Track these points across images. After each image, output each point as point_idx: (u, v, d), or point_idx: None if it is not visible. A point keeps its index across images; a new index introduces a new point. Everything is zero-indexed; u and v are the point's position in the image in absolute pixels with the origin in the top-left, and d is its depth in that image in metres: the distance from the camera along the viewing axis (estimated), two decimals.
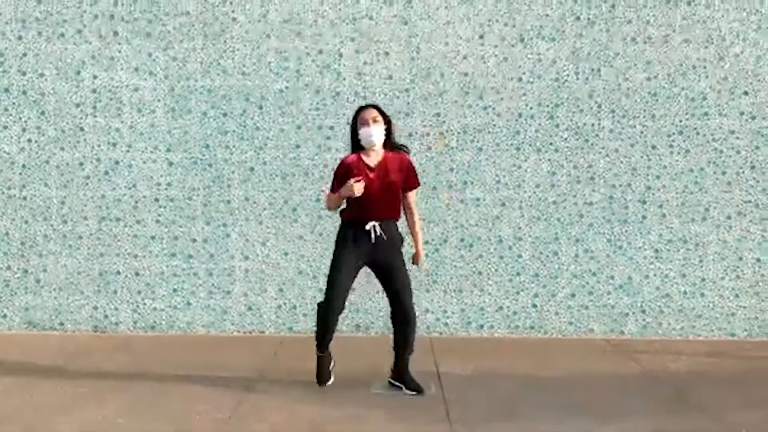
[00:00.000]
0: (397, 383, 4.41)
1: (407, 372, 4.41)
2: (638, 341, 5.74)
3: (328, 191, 4.54)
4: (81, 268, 5.86)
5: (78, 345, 5.47)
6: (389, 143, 4.40)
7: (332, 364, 4.56)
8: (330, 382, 4.50)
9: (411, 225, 4.52)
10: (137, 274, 5.87)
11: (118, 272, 5.87)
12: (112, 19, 5.78)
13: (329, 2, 5.78)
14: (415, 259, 4.54)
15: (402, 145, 4.48)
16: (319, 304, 4.44)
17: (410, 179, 4.42)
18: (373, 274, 4.46)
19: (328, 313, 4.38)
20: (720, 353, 5.42)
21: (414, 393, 4.32)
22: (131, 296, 5.88)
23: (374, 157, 4.34)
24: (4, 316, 5.85)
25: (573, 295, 5.88)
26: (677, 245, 5.85)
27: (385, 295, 4.44)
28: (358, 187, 4.21)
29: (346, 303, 4.41)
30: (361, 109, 4.38)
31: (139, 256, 5.86)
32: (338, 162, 4.48)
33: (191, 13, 5.78)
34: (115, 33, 5.78)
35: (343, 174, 4.37)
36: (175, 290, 5.87)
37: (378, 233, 4.28)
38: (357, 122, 4.35)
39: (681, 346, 5.60)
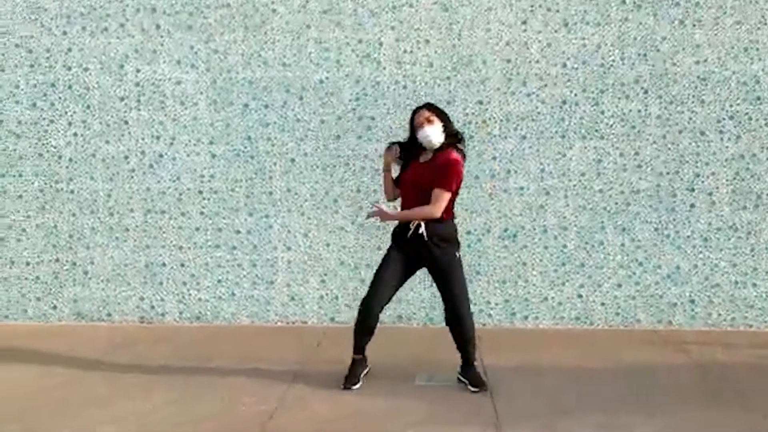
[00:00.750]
0: (462, 379, 4.36)
1: (471, 367, 4.35)
2: (687, 332, 5.63)
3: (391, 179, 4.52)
4: (127, 260, 5.97)
5: (126, 336, 5.58)
6: (447, 140, 4.27)
7: (366, 370, 4.44)
8: (357, 387, 4.30)
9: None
10: (182, 265, 5.96)
11: (164, 264, 5.97)
12: (153, 12, 5.84)
13: None
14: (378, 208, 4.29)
15: (456, 133, 4.28)
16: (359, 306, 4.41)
17: (437, 176, 4.18)
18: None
19: (363, 310, 4.33)
20: None
21: (476, 389, 4.24)
22: (177, 287, 5.97)
23: (427, 154, 4.30)
24: (54, 307, 6.00)
25: (619, 286, 5.79)
26: (727, 233, 5.71)
27: (432, 285, 4.42)
28: (386, 156, 4.35)
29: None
30: (415, 111, 4.31)
31: (184, 248, 5.95)
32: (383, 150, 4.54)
33: (231, 5, 5.81)
34: (157, 26, 5.85)
35: (403, 164, 4.39)
36: (219, 281, 5.95)
37: (419, 232, 4.19)
38: (413, 124, 4.29)
39: (732, 337, 5.47)
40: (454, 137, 4.29)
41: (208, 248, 5.94)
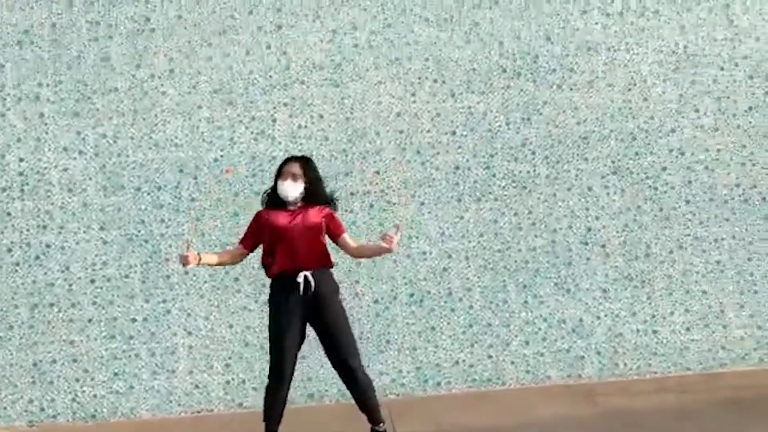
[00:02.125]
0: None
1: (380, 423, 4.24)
2: (596, 384, 5.71)
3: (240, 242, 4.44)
4: (13, 360, 5.57)
5: None
6: (314, 201, 4.23)
7: None
8: None
9: (369, 246, 4.53)
10: (74, 360, 5.61)
11: (54, 361, 5.59)
12: (37, 101, 5.70)
13: (259, 70, 5.83)
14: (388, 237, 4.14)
15: (331, 199, 4.30)
16: (266, 386, 4.23)
17: (335, 225, 4.25)
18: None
19: (272, 387, 4.16)
20: (675, 389, 5.41)
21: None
22: (69, 385, 5.59)
23: (292, 206, 4.23)
24: None
25: (527, 343, 5.84)
26: (624, 284, 5.91)
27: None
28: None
29: (295, 372, 4.26)
30: (285, 161, 4.25)
31: (76, 342, 5.61)
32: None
33: (119, 90, 5.75)
34: (41, 114, 5.70)
35: (252, 224, 4.31)
36: (116, 374, 5.62)
37: (311, 284, 4.06)
38: (279, 174, 4.23)
39: (638, 385, 5.58)
40: (318, 198, 4.24)
41: (103, 340, 5.63)
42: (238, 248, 4.39)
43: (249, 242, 4.34)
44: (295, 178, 4.16)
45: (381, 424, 4.24)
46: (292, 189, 4.15)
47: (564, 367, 5.85)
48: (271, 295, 4.22)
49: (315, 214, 4.20)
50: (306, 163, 4.25)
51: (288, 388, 4.21)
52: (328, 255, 4.25)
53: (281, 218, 4.17)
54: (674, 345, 5.90)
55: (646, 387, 5.50)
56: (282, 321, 4.09)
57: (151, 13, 5.77)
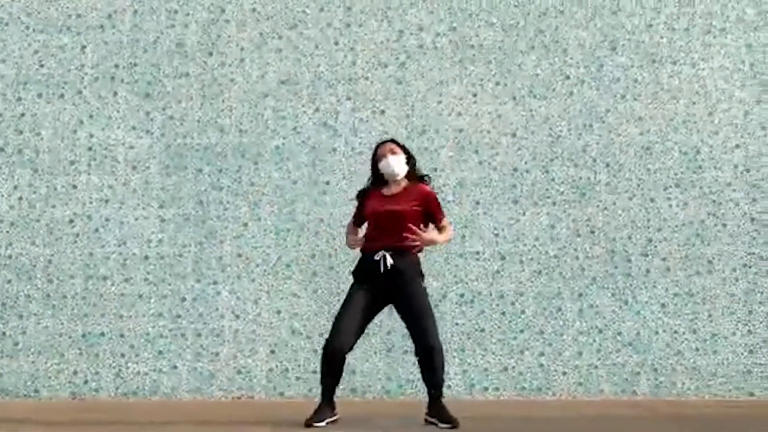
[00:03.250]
0: (431, 419, 3.50)
1: (439, 403, 3.51)
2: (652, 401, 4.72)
3: (350, 222, 3.88)
4: (63, 330, 4.90)
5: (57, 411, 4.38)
6: (413, 176, 3.69)
7: (334, 417, 3.53)
8: (321, 425, 3.43)
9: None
10: (122, 335, 4.91)
11: (102, 334, 4.90)
12: (112, 81, 5.19)
13: (326, 64, 5.23)
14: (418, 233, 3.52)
15: (425, 175, 3.76)
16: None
17: (433, 211, 3.64)
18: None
19: (327, 350, 3.49)
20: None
21: (448, 426, 3.41)
22: (114, 359, 4.88)
23: (393, 188, 3.65)
24: None
25: (580, 354, 4.92)
26: (684, 299, 4.98)
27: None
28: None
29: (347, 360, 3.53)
30: (378, 144, 3.75)
31: (125, 317, 4.92)
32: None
33: (191, 75, 5.19)
34: (115, 93, 5.17)
35: (360, 201, 3.76)
36: (160, 353, 4.89)
37: (388, 264, 3.47)
38: (375, 158, 3.70)
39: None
40: (417, 172, 3.71)
41: (151, 317, 4.93)
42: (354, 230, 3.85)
43: (359, 222, 3.83)
44: (394, 152, 3.63)
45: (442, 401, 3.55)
46: (397, 162, 3.60)
47: (618, 381, 4.88)
48: (354, 271, 3.68)
49: (411, 198, 3.61)
50: (396, 141, 3.76)
51: (344, 356, 3.49)
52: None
53: (374, 201, 3.66)
54: (736, 367, 4.91)
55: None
56: (350, 295, 3.58)
57: (227, 4, 5.25)
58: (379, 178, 3.67)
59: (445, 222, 3.66)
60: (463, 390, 4.79)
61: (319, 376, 3.57)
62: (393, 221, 3.50)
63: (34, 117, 5.06)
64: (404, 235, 3.46)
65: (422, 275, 3.59)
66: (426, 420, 3.53)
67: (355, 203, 3.83)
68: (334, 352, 3.44)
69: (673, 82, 5.15)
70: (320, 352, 3.57)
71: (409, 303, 3.47)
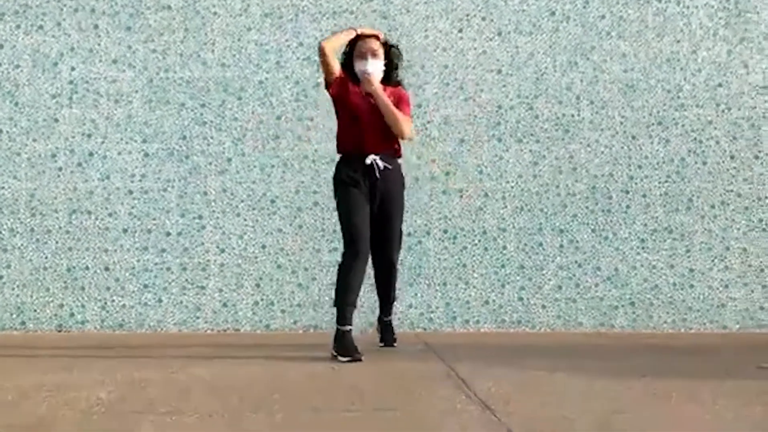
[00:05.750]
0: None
1: (389, 324, 3.68)
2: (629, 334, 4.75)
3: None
4: (47, 264, 4.81)
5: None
6: (388, 81, 3.41)
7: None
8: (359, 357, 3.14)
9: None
10: (107, 269, 4.83)
11: (87, 267, 4.82)
12: (92, 13, 4.99)
13: None
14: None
15: (399, 81, 3.51)
16: (340, 264, 3.31)
17: (400, 110, 3.39)
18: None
19: (352, 265, 3.19)
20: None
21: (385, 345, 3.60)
22: (99, 293, 4.81)
23: (368, 87, 3.38)
24: None
25: (560, 288, 4.92)
26: (663, 235, 4.97)
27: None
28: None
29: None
30: (360, 38, 3.38)
31: (110, 251, 4.84)
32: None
33: (172, 8, 5.00)
34: (95, 26, 4.98)
35: (336, 81, 3.39)
36: (145, 286, 4.83)
37: (381, 167, 3.32)
38: (353, 53, 3.37)
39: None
40: (394, 77, 3.45)
41: (136, 251, 4.85)
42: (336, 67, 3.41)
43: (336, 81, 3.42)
44: (375, 54, 3.34)
45: (391, 317, 3.76)
46: (375, 68, 3.33)
47: (597, 315, 4.90)
48: (336, 173, 3.43)
49: (392, 101, 3.38)
50: (380, 39, 3.44)
51: (363, 273, 3.30)
52: (397, 142, 3.46)
53: (357, 97, 3.37)
54: (711, 302, 4.93)
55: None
56: (350, 199, 3.30)
57: None
58: (350, 73, 3.40)
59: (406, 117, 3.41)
60: (445, 322, 4.78)
61: (335, 295, 3.31)
62: (381, 122, 3.30)
63: (13, 49, 4.87)
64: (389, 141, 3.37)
65: (404, 186, 3.49)
66: (381, 346, 3.64)
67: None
68: (358, 267, 3.18)
69: (658, 20, 5.03)
70: (335, 268, 3.36)
71: (389, 212, 3.36)
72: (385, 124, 3.30)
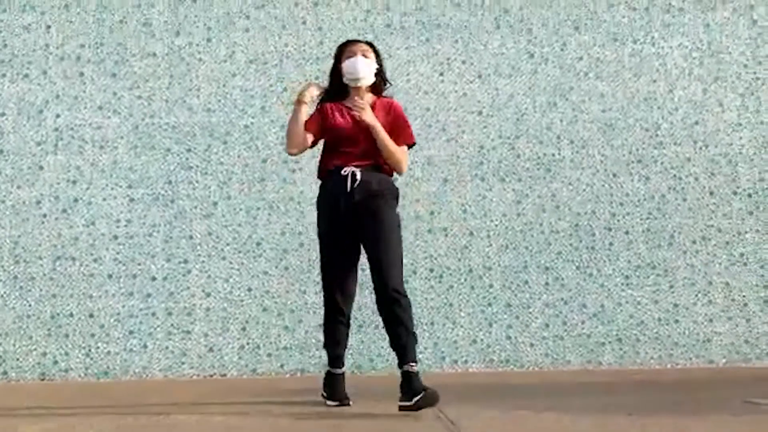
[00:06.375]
0: (404, 403, 2.78)
1: (414, 379, 2.78)
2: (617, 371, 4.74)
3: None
4: (31, 311, 4.75)
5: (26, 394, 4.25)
6: (378, 90, 3.09)
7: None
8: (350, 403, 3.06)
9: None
10: (91, 315, 4.78)
11: (71, 314, 4.77)
12: (78, 61, 5.04)
13: (294, 44, 5.14)
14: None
15: (386, 81, 3.19)
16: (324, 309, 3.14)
17: (401, 131, 3.02)
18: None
19: (329, 310, 3.05)
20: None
21: (409, 404, 2.75)
22: (84, 340, 4.75)
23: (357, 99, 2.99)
24: None
25: (547, 326, 4.92)
26: (647, 271, 5.01)
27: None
28: (308, 87, 3.09)
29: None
30: (349, 42, 3.08)
31: (94, 297, 4.79)
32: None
33: (157, 55, 5.07)
34: (81, 74, 5.02)
35: (315, 113, 3.09)
36: (131, 332, 4.77)
37: (358, 179, 2.90)
38: (342, 55, 3.04)
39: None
40: (384, 87, 3.19)
41: (121, 297, 4.81)
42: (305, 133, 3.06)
43: (312, 127, 3.08)
44: (366, 55, 3.00)
45: (413, 364, 2.86)
46: (365, 66, 2.96)
47: (584, 352, 4.90)
48: (318, 198, 3.11)
49: (382, 114, 3.02)
50: (372, 45, 3.10)
51: (347, 314, 3.08)
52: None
53: (337, 116, 3.04)
54: (696, 336, 4.95)
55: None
56: (332, 230, 2.98)
57: None
58: (336, 88, 3.05)
59: (404, 149, 3.04)
60: (433, 363, 4.75)
61: (324, 341, 3.16)
62: (365, 137, 2.93)
63: None
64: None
65: (397, 198, 3.02)
66: (400, 407, 2.80)
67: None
68: (337, 312, 2.99)
69: (635, 61, 5.16)
70: (319, 321, 3.32)
71: (378, 234, 2.84)
72: (368, 137, 2.95)
